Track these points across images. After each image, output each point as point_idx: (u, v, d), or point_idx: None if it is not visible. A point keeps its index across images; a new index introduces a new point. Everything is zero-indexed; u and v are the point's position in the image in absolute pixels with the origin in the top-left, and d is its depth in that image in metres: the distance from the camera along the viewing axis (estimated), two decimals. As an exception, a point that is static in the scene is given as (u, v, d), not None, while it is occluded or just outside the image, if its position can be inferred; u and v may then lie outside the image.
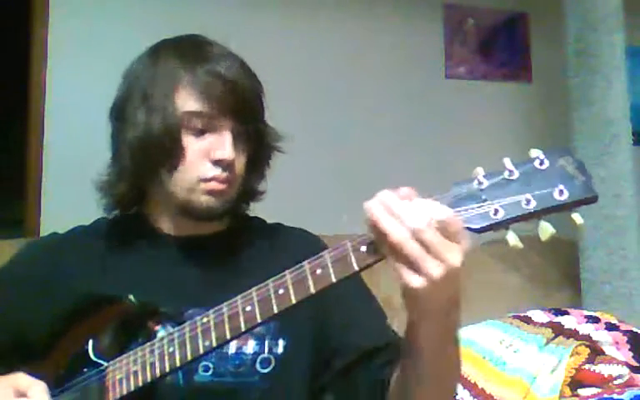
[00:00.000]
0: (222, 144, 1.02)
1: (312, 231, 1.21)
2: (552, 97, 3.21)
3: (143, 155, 1.03)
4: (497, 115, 3.47)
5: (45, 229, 2.73)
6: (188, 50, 1.06)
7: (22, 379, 0.93)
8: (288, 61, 3.12)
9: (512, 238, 0.78)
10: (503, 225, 0.77)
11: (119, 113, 1.08)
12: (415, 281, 0.75)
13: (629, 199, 2.43)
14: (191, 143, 1.02)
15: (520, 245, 0.77)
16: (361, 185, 3.10)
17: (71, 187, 2.79)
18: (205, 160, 1.02)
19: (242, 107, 1.03)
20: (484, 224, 0.77)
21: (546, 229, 0.77)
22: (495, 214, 0.77)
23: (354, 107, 3.23)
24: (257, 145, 1.10)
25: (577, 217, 0.76)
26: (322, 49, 3.23)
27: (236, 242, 1.12)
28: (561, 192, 0.76)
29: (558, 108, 2.77)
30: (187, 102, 1.02)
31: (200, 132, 1.03)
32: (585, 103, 2.46)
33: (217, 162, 1.02)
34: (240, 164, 1.07)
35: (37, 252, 1.15)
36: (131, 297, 0.96)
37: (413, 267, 0.75)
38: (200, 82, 1.02)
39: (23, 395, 0.91)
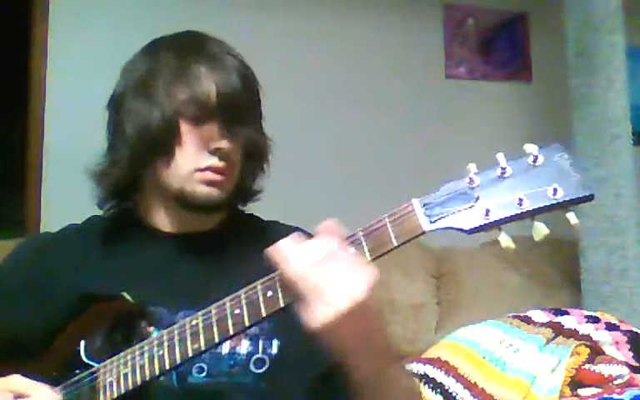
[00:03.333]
0: (218, 134, 1.02)
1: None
2: (552, 97, 3.21)
3: (140, 142, 1.02)
4: (497, 115, 3.47)
5: (45, 229, 2.73)
6: (187, 46, 1.07)
7: (19, 381, 0.92)
8: (288, 61, 3.12)
9: (505, 239, 0.75)
10: (495, 226, 0.74)
11: (117, 104, 1.07)
12: (323, 313, 0.75)
13: (629, 199, 2.43)
14: (187, 132, 1.02)
15: (512, 246, 0.74)
16: (361, 184, 3.12)
17: (71, 186, 2.78)
18: (202, 150, 1.02)
19: (233, 106, 1.03)
20: (475, 225, 0.74)
21: (540, 229, 0.73)
22: (487, 215, 0.73)
23: (354, 107, 3.24)
24: (251, 144, 1.09)
25: (571, 217, 0.73)
26: (322, 49, 3.23)
27: (231, 240, 1.11)
28: (555, 190, 0.72)
29: (558, 108, 2.77)
30: (185, 93, 1.02)
31: (196, 122, 1.02)
32: (585, 103, 2.46)
33: (213, 152, 1.02)
34: (236, 157, 1.06)
35: (25, 254, 1.13)
36: (125, 294, 0.95)
37: (320, 299, 0.76)
38: (196, 76, 1.02)
39: (22, 397, 0.90)
